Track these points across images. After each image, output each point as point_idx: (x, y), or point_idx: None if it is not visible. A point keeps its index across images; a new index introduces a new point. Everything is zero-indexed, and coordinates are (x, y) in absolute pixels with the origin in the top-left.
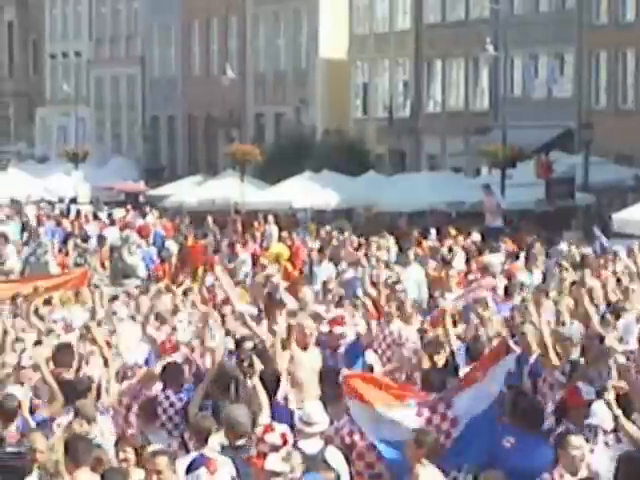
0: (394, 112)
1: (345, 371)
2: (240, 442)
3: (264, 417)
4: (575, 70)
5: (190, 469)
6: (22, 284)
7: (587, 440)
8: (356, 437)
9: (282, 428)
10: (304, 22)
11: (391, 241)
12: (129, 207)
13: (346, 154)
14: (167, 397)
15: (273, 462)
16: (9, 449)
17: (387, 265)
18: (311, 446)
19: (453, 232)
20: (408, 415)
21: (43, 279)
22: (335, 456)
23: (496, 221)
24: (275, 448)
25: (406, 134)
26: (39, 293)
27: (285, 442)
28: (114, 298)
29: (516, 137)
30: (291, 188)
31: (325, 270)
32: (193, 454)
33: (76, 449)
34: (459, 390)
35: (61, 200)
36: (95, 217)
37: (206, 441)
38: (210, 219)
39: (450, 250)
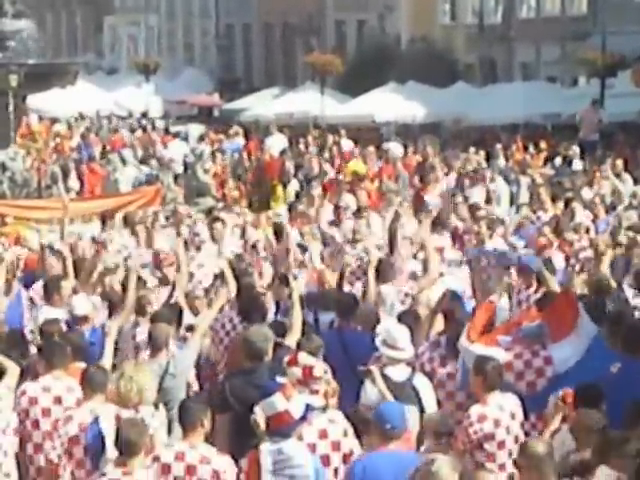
0: (485, 18)
1: None
2: (252, 365)
3: (292, 338)
4: None
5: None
6: (92, 203)
7: None
8: (436, 364)
9: (308, 361)
10: None
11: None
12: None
13: (433, 64)
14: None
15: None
16: None
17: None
18: (399, 374)
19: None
20: (495, 351)
21: (113, 197)
22: (424, 384)
23: (593, 135)
24: (298, 382)
25: (497, 41)
26: (110, 212)
27: (308, 376)
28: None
29: (617, 44)
30: (374, 100)
31: None
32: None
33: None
34: (552, 342)
35: (131, 114)
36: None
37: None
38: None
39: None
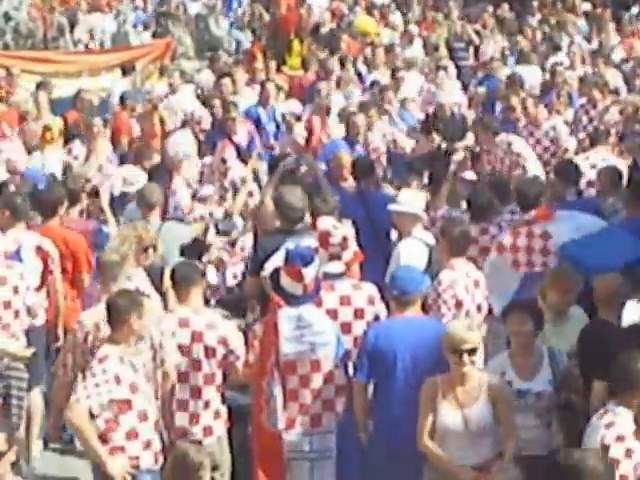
0: None
1: None
2: (297, 227)
3: None
4: None
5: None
6: (102, 56)
7: None
8: None
9: (326, 227)
10: None
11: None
12: None
13: None
14: None
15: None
16: None
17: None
18: (429, 238)
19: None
20: None
21: (122, 51)
22: None
23: None
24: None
25: None
26: (120, 65)
27: (325, 243)
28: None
29: None
30: None
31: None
32: None
33: None
34: None
35: None
36: None
37: None
38: None
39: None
